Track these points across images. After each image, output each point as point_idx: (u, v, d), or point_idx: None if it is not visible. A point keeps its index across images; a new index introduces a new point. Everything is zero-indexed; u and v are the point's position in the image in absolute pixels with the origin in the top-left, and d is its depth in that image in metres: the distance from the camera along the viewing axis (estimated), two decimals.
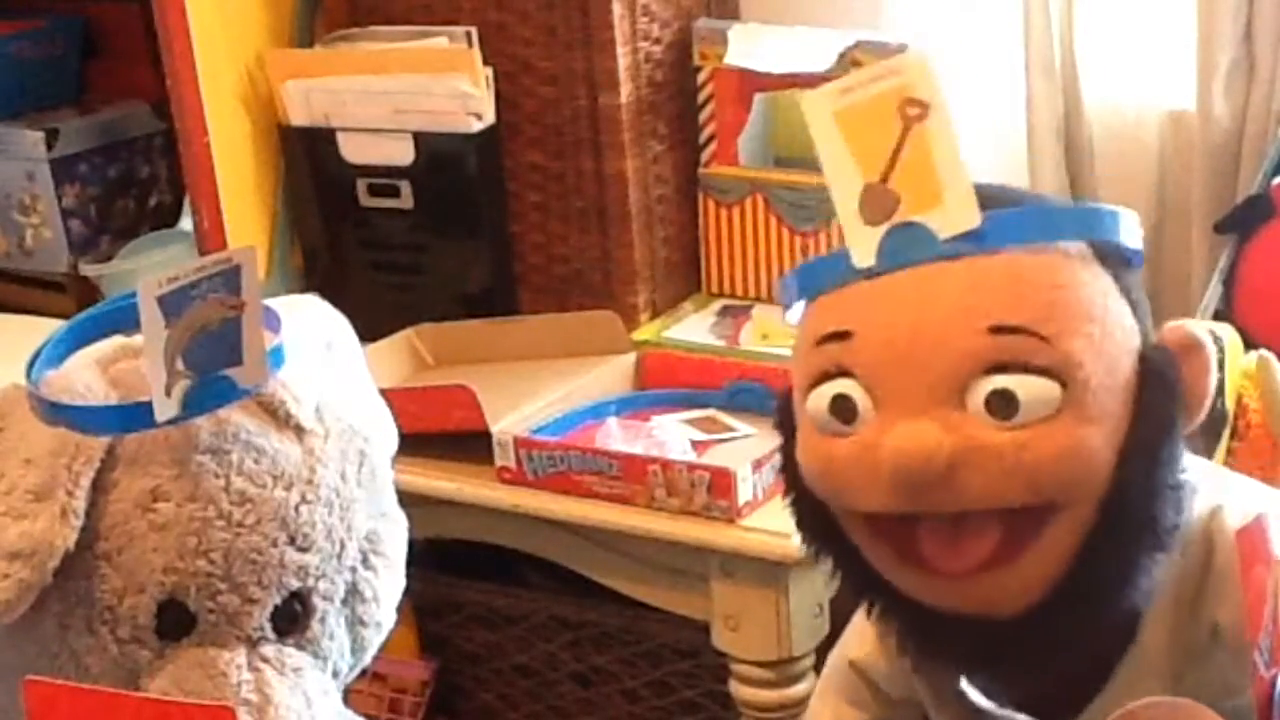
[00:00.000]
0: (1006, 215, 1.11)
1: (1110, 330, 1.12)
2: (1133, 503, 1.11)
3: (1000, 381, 1.08)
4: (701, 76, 2.28)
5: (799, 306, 1.19)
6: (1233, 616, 1.15)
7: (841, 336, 1.12)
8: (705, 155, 2.31)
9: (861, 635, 1.40)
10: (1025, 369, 1.08)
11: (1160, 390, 1.13)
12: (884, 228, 1.09)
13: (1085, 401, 1.09)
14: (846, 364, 1.12)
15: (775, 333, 2.23)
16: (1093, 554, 1.11)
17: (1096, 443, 1.10)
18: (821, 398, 1.13)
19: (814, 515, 1.20)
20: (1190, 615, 1.19)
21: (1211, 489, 1.20)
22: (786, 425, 1.22)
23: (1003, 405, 1.08)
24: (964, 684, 1.27)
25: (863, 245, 1.10)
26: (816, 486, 1.17)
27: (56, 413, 1.24)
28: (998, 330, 1.08)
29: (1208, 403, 1.16)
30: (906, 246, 1.10)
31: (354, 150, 2.29)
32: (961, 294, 1.10)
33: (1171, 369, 1.14)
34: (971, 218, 1.09)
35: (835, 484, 1.15)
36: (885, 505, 1.11)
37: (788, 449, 1.22)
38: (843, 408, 1.12)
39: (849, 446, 1.12)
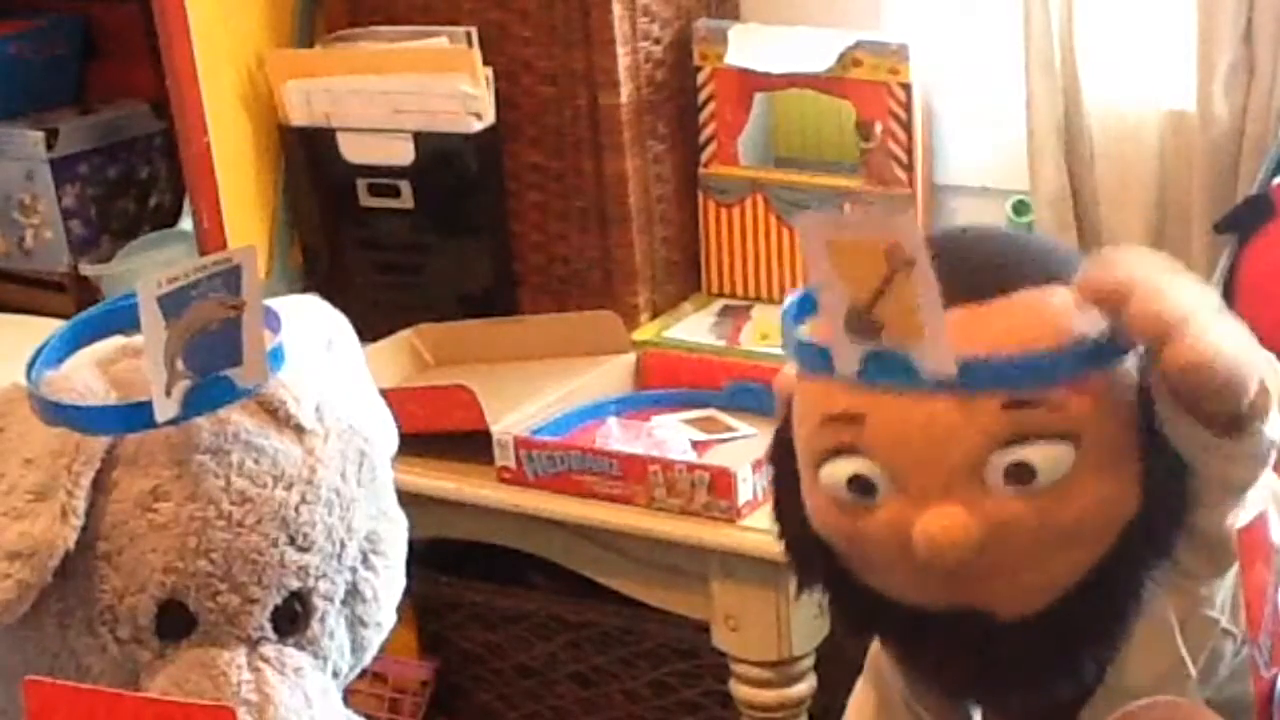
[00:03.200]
0: (986, 364, 1.09)
1: (1118, 377, 1.12)
2: (1155, 526, 1.12)
3: (1017, 454, 1.09)
4: (701, 76, 2.28)
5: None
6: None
7: (852, 419, 1.11)
8: (705, 155, 2.31)
9: (866, 706, 1.38)
10: (1040, 437, 1.09)
11: (1153, 423, 1.12)
12: (866, 347, 1.10)
13: (1100, 453, 1.10)
14: (860, 446, 1.11)
15: (775, 333, 2.23)
16: (1109, 570, 1.12)
17: (1115, 489, 1.11)
18: (837, 474, 1.13)
19: (815, 553, 1.19)
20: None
21: None
22: (783, 466, 1.20)
23: (1021, 475, 1.09)
24: None
25: (845, 357, 1.11)
26: (836, 547, 1.17)
27: (56, 413, 1.24)
28: (1011, 406, 1.08)
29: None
30: (888, 370, 1.10)
31: (354, 150, 2.29)
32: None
33: (1154, 382, 1.13)
34: (948, 366, 1.09)
35: (863, 558, 1.15)
36: (913, 585, 1.13)
37: (784, 489, 1.20)
38: (861, 485, 1.12)
39: (875, 525, 1.12)
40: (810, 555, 1.20)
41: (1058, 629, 1.12)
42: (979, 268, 1.14)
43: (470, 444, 2.00)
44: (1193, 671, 1.18)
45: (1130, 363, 1.13)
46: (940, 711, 1.27)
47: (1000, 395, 1.08)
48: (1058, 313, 1.11)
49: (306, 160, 2.33)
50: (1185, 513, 1.13)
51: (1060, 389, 1.09)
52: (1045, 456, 1.09)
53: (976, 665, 1.15)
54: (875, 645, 1.34)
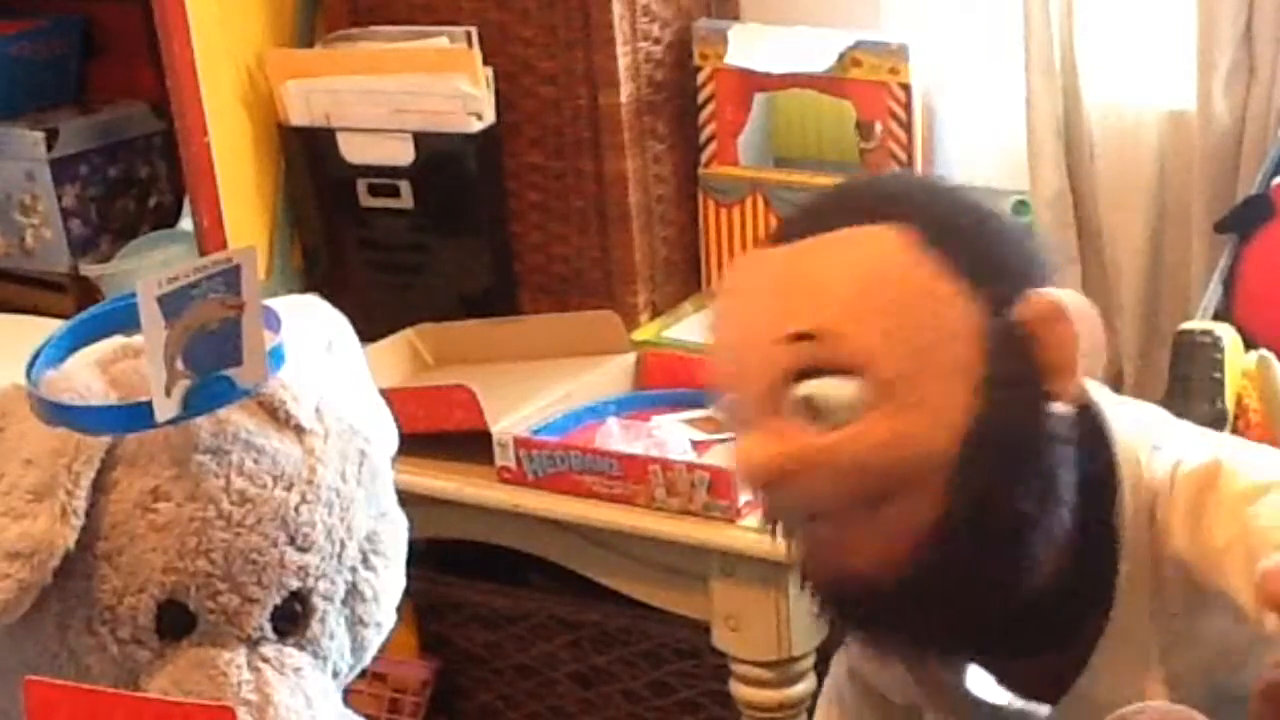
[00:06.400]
0: None
1: (921, 317, 1.11)
2: (976, 482, 1.10)
3: (803, 389, 1.11)
4: (701, 76, 2.28)
5: None
6: (1191, 544, 1.13)
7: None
8: (705, 155, 2.31)
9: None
10: (822, 372, 1.11)
11: (1005, 367, 1.11)
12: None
13: (892, 393, 1.10)
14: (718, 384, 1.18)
15: None
16: (945, 530, 1.11)
17: (917, 430, 1.10)
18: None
19: None
20: (1155, 571, 1.16)
21: (1170, 445, 1.18)
22: None
23: (810, 410, 1.11)
24: (968, 683, 1.26)
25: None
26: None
27: (57, 413, 1.24)
28: (791, 338, 1.11)
29: (1077, 376, 1.13)
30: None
31: (354, 150, 2.29)
32: (768, 305, 1.13)
33: (1019, 343, 1.12)
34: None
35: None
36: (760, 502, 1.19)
37: None
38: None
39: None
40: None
41: (924, 591, 1.12)
42: (817, 204, 1.19)
43: (470, 444, 2.00)
44: (1162, 698, 1.16)
45: (966, 307, 1.12)
46: (930, 681, 1.28)
47: (789, 327, 1.11)
48: (857, 250, 1.13)
49: (306, 160, 2.33)
50: (1012, 481, 1.11)
51: (841, 321, 1.11)
52: (827, 391, 1.10)
53: (881, 629, 1.17)
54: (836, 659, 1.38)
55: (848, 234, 1.14)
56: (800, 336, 1.11)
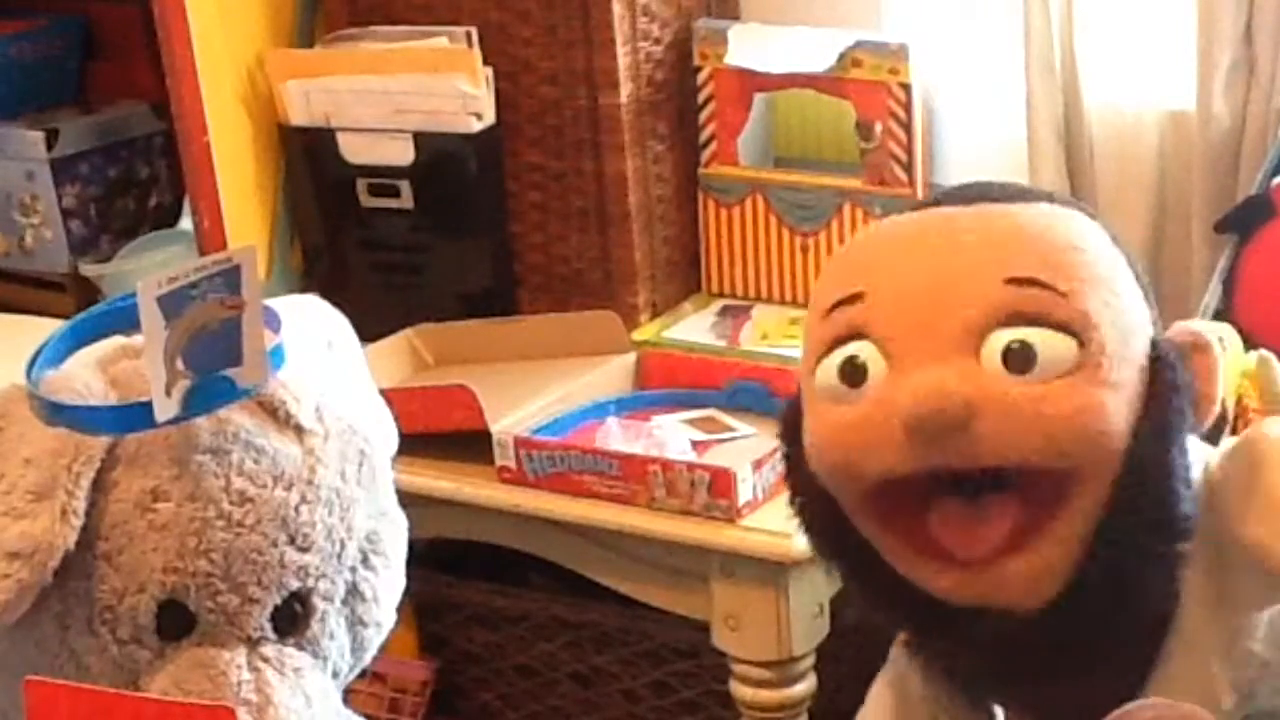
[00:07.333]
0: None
1: (1126, 303, 1.12)
2: (1147, 483, 1.10)
3: (1019, 334, 1.08)
4: (701, 76, 2.28)
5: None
6: (1258, 527, 1.13)
7: (852, 300, 1.12)
8: (705, 155, 2.31)
9: (882, 707, 1.36)
10: (1042, 323, 1.08)
11: (1171, 380, 1.12)
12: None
13: (1101, 364, 1.09)
14: (859, 325, 1.11)
15: (775, 333, 2.23)
16: (1110, 539, 1.10)
17: (1113, 407, 1.09)
18: (830, 366, 1.12)
19: (824, 514, 1.17)
20: (1220, 564, 1.15)
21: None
22: (791, 424, 1.20)
23: (1020, 358, 1.08)
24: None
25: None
26: (825, 461, 1.14)
27: (56, 413, 1.24)
28: (1015, 281, 1.08)
29: (1216, 407, 1.16)
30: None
31: (354, 150, 2.29)
32: (979, 247, 1.10)
33: (1180, 363, 1.14)
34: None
35: (845, 451, 1.12)
36: (900, 461, 1.09)
37: (793, 451, 1.20)
38: (852, 370, 1.11)
39: (861, 407, 1.10)
40: (818, 511, 1.18)
41: (1068, 620, 1.10)
42: (993, 187, 1.18)
43: (470, 444, 1.99)
44: (1229, 704, 1.15)
45: (1144, 310, 1.13)
46: (962, 713, 1.26)
47: (1013, 271, 1.08)
48: (1069, 220, 1.13)
49: (306, 160, 2.33)
50: (1171, 485, 1.11)
51: (1068, 279, 1.09)
52: (1047, 343, 1.08)
53: (993, 660, 1.14)
54: (897, 645, 1.32)
55: (1048, 208, 1.14)
56: (1027, 282, 1.08)
